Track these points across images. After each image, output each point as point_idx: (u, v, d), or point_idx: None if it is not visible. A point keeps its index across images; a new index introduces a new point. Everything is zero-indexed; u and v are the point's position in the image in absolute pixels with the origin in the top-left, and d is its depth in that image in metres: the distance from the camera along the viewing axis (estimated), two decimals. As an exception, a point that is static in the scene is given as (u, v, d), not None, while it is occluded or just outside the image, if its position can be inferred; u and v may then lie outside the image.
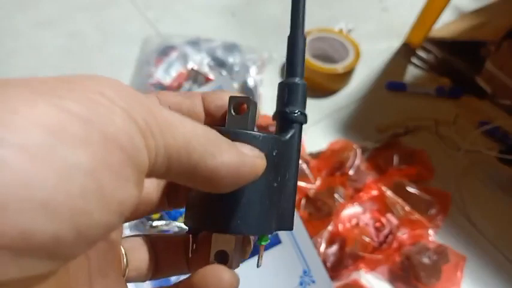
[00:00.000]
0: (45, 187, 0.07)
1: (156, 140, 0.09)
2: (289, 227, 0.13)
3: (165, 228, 0.37)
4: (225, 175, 0.10)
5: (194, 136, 0.10)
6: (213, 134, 0.10)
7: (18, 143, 0.07)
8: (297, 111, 0.12)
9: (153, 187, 0.14)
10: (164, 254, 0.14)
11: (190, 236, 0.13)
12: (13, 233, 0.07)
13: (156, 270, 0.14)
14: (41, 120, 0.08)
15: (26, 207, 0.07)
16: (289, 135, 0.12)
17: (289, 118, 0.12)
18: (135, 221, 0.38)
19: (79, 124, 0.08)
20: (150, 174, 0.10)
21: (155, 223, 0.37)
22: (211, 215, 0.11)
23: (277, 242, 0.36)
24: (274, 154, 0.12)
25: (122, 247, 0.13)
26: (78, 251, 0.09)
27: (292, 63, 0.13)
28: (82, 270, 0.11)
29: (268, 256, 0.36)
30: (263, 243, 0.13)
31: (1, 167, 0.07)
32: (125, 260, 0.13)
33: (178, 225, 0.37)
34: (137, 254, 0.14)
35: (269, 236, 0.13)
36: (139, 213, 0.14)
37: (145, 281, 0.14)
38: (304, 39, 0.13)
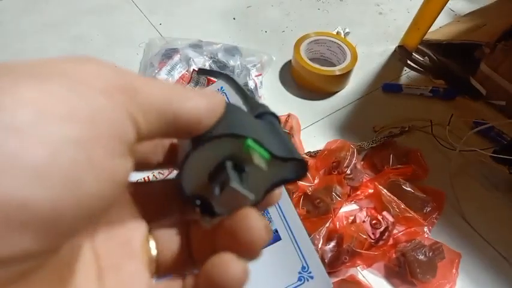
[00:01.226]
0: (35, 158, 0.08)
1: (141, 100, 0.10)
2: (300, 158, 0.12)
3: None
4: (202, 113, 0.11)
5: (167, 88, 0.11)
6: (180, 85, 0.12)
7: (7, 122, 0.08)
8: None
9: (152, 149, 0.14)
10: (196, 239, 0.13)
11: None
12: (7, 200, 0.07)
13: (191, 258, 0.13)
14: (27, 100, 0.08)
15: (19, 175, 0.07)
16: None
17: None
18: None
19: (63, 103, 0.08)
20: (143, 136, 0.10)
21: None
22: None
23: (276, 238, 0.37)
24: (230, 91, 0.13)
25: (151, 239, 0.13)
26: (77, 226, 0.09)
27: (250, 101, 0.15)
28: (89, 266, 0.11)
29: (267, 252, 0.37)
30: (250, 144, 0.11)
31: None
32: (153, 250, 0.13)
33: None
34: (170, 245, 0.13)
35: (258, 144, 0.11)
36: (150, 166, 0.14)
37: (188, 269, 0.13)
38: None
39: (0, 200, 0.07)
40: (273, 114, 0.14)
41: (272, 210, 0.38)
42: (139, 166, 0.14)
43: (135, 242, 0.12)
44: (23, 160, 0.08)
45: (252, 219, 0.12)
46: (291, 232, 0.37)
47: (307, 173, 0.13)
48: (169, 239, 0.13)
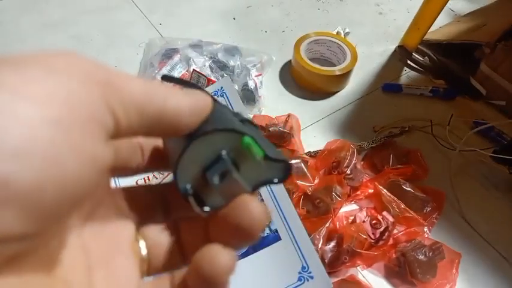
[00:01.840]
0: (14, 137, 0.08)
1: (121, 95, 0.10)
2: (283, 159, 0.13)
3: None
4: (186, 112, 0.11)
5: (151, 86, 0.11)
6: (163, 84, 0.12)
7: None
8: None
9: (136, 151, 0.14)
10: (187, 237, 0.14)
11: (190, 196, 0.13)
12: None
13: (183, 256, 0.13)
14: (5, 83, 0.08)
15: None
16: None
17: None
18: None
19: (41, 86, 0.09)
20: (122, 130, 0.10)
21: None
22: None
23: (276, 238, 0.37)
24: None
25: (140, 238, 0.13)
26: (60, 207, 0.09)
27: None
28: (78, 262, 0.11)
29: (267, 252, 0.37)
30: (247, 141, 0.12)
31: None
32: (143, 250, 0.13)
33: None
34: (160, 244, 0.13)
35: (254, 142, 0.12)
36: (132, 171, 0.14)
37: (178, 268, 0.13)
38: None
39: None
40: (254, 123, 0.15)
41: (272, 210, 0.38)
42: (120, 171, 0.14)
43: (124, 241, 0.13)
44: (2, 140, 0.08)
45: (252, 204, 0.12)
46: (291, 232, 0.37)
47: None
48: (159, 238, 0.13)
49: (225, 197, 0.12)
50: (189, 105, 0.11)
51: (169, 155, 0.13)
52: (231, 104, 0.44)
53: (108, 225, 0.12)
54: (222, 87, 0.46)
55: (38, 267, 0.09)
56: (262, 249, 0.37)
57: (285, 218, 0.38)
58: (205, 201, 0.13)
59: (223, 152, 0.12)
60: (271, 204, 0.39)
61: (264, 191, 0.39)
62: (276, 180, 0.13)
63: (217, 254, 0.11)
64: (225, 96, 0.45)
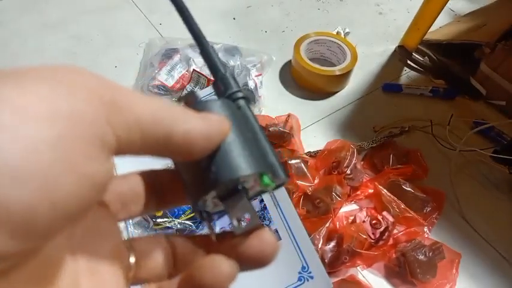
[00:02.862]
0: (12, 158, 0.08)
1: (125, 116, 0.10)
2: (284, 177, 0.13)
3: (168, 225, 0.38)
4: (197, 138, 0.11)
5: (160, 108, 0.10)
6: (176, 106, 0.11)
7: None
8: (234, 91, 0.15)
9: (139, 185, 0.14)
10: (183, 251, 0.14)
11: (207, 219, 0.13)
12: None
13: (176, 270, 0.14)
14: (6, 99, 0.08)
15: None
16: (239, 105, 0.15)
17: (232, 98, 0.14)
18: (138, 219, 0.39)
19: (43, 103, 0.08)
20: (125, 149, 0.10)
21: (159, 220, 0.38)
22: (205, 180, 0.12)
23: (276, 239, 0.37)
24: (234, 114, 0.13)
25: (130, 246, 0.13)
26: (53, 227, 0.09)
27: (214, 66, 0.15)
28: (67, 270, 0.11)
29: None
30: (267, 182, 0.13)
31: None
32: (131, 258, 0.13)
33: (181, 222, 0.38)
34: (150, 254, 0.13)
35: (270, 178, 0.13)
36: (133, 213, 0.14)
37: (164, 280, 0.13)
38: (211, 47, 0.16)
39: None
40: (245, 98, 0.15)
41: (272, 210, 0.38)
42: (122, 215, 0.13)
43: (111, 247, 0.12)
44: (1, 160, 0.08)
45: (265, 235, 0.13)
46: (291, 232, 0.37)
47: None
48: (150, 248, 0.13)
49: (237, 218, 0.13)
50: (202, 132, 0.11)
51: (182, 175, 0.13)
52: None
53: (95, 231, 0.12)
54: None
55: (27, 278, 0.09)
56: None
57: (285, 218, 0.38)
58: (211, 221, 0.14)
59: (240, 187, 0.13)
60: (271, 204, 0.39)
61: None
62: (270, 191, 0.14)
63: (220, 263, 0.11)
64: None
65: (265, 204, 0.39)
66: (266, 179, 0.13)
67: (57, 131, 0.08)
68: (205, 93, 0.47)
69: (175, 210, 0.38)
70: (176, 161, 0.13)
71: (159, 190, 0.14)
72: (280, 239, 0.37)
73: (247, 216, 0.13)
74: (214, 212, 0.14)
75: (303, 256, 0.36)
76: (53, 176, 0.08)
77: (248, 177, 0.12)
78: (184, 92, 0.55)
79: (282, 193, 0.39)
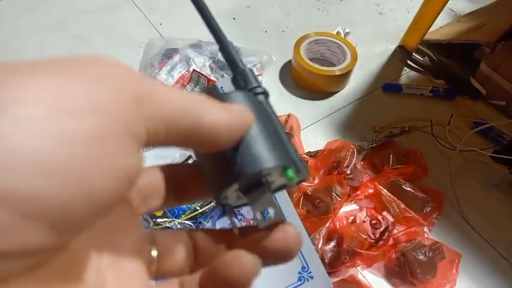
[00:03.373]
0: (45, 151, 0.08)
1: (153, 107, 0.10)
2: (306, 172, 0.13)
3: (168, 225, 0.38)
4: (221, 129, 0.11)
5: (187, 99, 0.11)
6: (202, 97, 0.11)
7: (21, 115, 0.08)
8: (254, 86, 0.15)
9: (158, 179, 0.14)
10: (204, 246, 0.14)
11: (231, 212, 0.14)
12: (18, 193, 0.07)
13: (197, 264, 0.14)
14: (41, 93, 0.08)
15: (30, 169, 0.08)
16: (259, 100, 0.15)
17: (252, 93, 0.15)
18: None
19: (76, 96, 0.09)
20: (152, 141, 0.10)
21: (159, 220, 0.38)
22: (228, 172, 0.12)
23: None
24: (256, 107, 0.13)
25: (151, 240, 0.13)
26: (88, 220, 0.09)
27: (233, 61, 0.15)
28: (92, 264, 0.11)
29: None
30: (291, 175, 0.13)
31: (3, 136, 0.07)
32: (153, 252, 0.13)
33: (181, 222, 0.38)
34: (172, 248, 0.13)
35: (294, 172, 0.13)
36: (153, 207, 0.14)
37: (186, 274, 0.13)
38: (230, 43, 0.16)
39: (11, 193, 0.07)
40: (265, 93, 0.15)
41: (272, 211, 0.38)
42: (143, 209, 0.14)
43: (134, 241, 0.13)
44: (34, 153, 0.08)
45: (289, 230, 0.13)
46: None
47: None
48: (172, 243, 0.14)
49: (257, 210, 0.13)
50: (226, 122, 0.11)
51: (204, 168, 0.13)
52: None
53: (117, 226, 0.12)
54: (222, 87, 0.46)
55: (53, 275, 0.09)
56: None
57: (285, 218, 0.38)
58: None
59: (263, 180, 0.13)
60: None
61: None
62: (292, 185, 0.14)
63: (244, 258, 0.12)
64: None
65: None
66: (290, 172, 0.13)
67: (89, 124, 0.08)
68: None
69: (175, 210, 0.38)
70: (199, 152, 0.13)
71: (179, 184, 0.14)
72: None
73: (270, 210, 0.13)
74: (237, 205, 0.14)
75: (303, 256, 0.36)
76: (85, 169, 0.08)
77: (272, 170, 0.12)
78: (188, 90, 0.55)
79: (281, 193, 0.39)
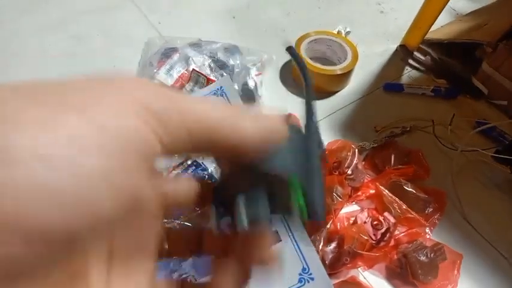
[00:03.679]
0: (59, 186, 0.08)
1: (174, 123, 0.10)
2: (321, 215, 0.13)
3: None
4: (251, 142, 0.11)
5: (217, 112, 0.11)
6: (235, 107, 0.12)
7: (40, 154, 0.08)
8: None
9: (187, 190, 0.14)
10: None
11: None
12: (28, 222, 0.08)
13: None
14: (62, 130, 0.09)
15: (43, 201, 0.08)
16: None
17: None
18: None
19: (96, 132, 0.09)
20: (174, 150, 0.11)
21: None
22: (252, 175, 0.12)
23: (276, 240, 0.37)
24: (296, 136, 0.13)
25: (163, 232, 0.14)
26: (92, 238, 0.09)
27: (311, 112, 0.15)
28: (99, 259, 0.11)
29: None
30: (301, 204, 0.13)
31: (26, 174, 0.08)
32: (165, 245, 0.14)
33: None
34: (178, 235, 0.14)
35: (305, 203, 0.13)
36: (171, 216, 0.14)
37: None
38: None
39: (22, 221, 0.08)
40: (320, 143, 0.15)
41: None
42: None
43: (147, 234, 0.13)
44: (48, 188, 0.08)
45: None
46: (291, 233, 0.37)
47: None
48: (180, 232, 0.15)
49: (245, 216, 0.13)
50: (258, 137, 0.11)
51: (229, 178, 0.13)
52: (229, 102, 0.44)
53: (135, 234, 0.12)
54: (221, 87, 0.45)
55: (62, 278, 0.10)
56: None
57: (285, 219, 0.37)
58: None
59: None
60: None
61: None
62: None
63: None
64: (224, 95, 0.44)
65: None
66: (300, 201, 0.12)
67: (106, 162, 0.09)
68: (205, 92, 0.46)
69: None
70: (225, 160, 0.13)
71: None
72: (280, 240, 0.37)
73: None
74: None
75: (303, 257, 0.36)
76: (96, 201, 0.09)
77: (293, 185, 0.12)
78: (183, 91, 0.54)
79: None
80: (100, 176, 0.09)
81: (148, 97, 0.10)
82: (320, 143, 0.14)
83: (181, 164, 0.38)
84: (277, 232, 0.37)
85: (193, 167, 0.37)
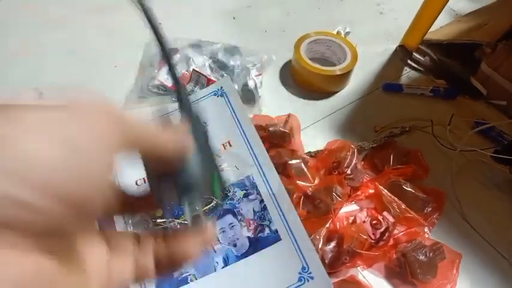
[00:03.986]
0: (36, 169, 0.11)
1: (130, 139, 0.14)
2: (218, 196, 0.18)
3: (168, 225, 0.38)
4: (170, 145, 0.15)
5: (148, 129, 0.15)
6: (157, 126, 0.15)
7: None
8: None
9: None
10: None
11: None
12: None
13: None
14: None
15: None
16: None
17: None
18: (138, 219, 0.39)
19: (62, 151, 0.11)
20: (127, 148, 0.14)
21: (158, 220, 0.38)
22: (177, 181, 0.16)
23: (276, 239, 0.37)
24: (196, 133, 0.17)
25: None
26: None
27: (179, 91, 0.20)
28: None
29: (267, 253, 0.37)
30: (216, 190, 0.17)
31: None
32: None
33: (181, 222, 0.38)
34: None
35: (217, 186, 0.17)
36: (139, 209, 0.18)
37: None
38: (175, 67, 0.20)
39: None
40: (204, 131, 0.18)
41: (272, 211, 0.38)
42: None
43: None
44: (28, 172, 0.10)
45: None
46: (291, 232, 0.37)
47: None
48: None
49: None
50: (173, 145, 0.15)
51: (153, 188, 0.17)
52: (231, 104, 0.44)
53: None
54: (221, 87, 0.45)
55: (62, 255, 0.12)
56: (262, 249, 0.37)
57: (285, 219, 0.38)
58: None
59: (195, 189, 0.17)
60: (271, 205, 0.39)
61: (263, 191, 0.39)
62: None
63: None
64: (224, 96, 0.44)
65: (265, 205, 0.39)
66: (217, 192, 0.17)
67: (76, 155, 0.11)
68: (205, 93, 0.47)
69: (175, 210, 0.38)
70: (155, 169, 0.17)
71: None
72: (280, 239, 0.37)
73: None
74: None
75: (303, 256, 0.36)
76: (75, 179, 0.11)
77: (204, 178, 0.16)
78: (188, 89, 0.55)
79: (281, 194, 0.39)
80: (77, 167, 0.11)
81: (115, 112, 0.13)
82: (197, 122, 0.18)
83: None
84: (276, 231, 0.37)
85: None
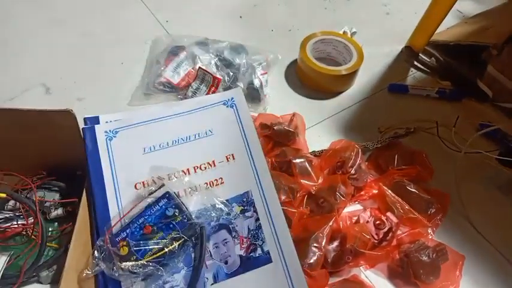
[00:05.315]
0: None
1: None
2: None
3: (132, 269, 0.33)
4: None
5: None
6: None
7: None
8: None
9: None
10: None
11: None
12: None
13: None
14: None
15: None
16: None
17: None
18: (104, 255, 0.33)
19: None
20: None
21: (123, 264, 0.33)
22: None
23: (267, 261, 0.36)
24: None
25: None
26: None
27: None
28: None
29: (257, 274, 0.36)
30: None
31: None
32: None
33: (145, 262, 0.34)
34: None
35: None
36: None
37: None
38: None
39: None
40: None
41: (266, 231, 0.37)
42: None
43: None
44: None
45: None
46: (283, 256, 0.36)
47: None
48: None
49: None
50: None
51: None
52: (240, 118, 0.44)
53: None
54: (232, 98, 0.45)
55: None
56: (252, 269, 0.36)
57: (278, 241, 0.37)
58: None
59: None
60: (266, 224, 0.38)
61: (260, 209, 0.38)
62: None
63: None
64: (234, 108, 0.44)
65: (260, 224, 0.38)
66: None
67: None
68: (214, 100, 0.45)
69: (142, 249, 0.34)
70: None
71: None
72: (271, 261, 0.36)
73: None
74: None
75: (291, 282, 0.35)
76: None
77: None
78: (190, 89, 0.55)
79: (278, 214, 0.38)
80: None
81: None
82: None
83: (152, 193, 0.37)
84: (268, 252, 0.36)
85: (166, 199, 0.36)
